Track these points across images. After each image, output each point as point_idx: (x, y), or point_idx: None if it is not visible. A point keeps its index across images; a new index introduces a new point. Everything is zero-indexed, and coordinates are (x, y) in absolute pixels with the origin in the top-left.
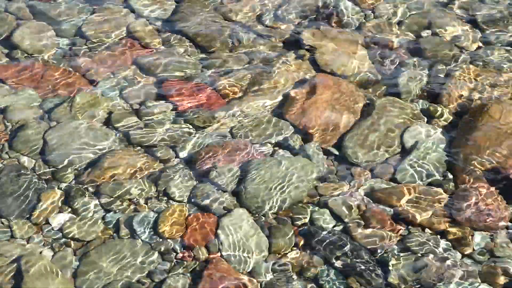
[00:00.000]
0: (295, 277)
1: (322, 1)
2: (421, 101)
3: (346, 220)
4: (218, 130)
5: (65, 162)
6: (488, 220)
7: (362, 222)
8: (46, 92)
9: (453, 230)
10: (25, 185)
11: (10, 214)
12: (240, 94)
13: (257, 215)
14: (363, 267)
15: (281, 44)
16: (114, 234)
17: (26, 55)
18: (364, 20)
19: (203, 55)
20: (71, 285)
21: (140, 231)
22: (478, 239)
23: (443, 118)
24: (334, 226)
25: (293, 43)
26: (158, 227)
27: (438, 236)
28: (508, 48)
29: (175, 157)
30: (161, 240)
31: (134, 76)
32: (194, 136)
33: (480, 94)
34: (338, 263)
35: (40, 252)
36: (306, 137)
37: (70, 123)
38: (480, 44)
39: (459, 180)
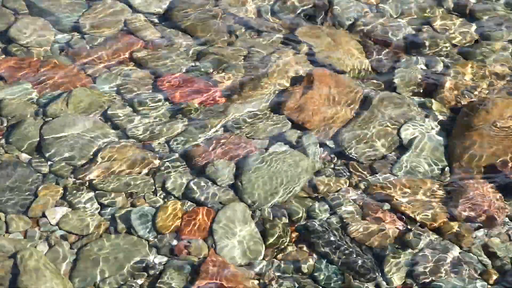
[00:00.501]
0: (291, 271)
1: None
2: (418, 96)
3: (342, 214)
4: (215, 124)
5: (62, 157)
6: (485, 216)
7: (359, 217)
8: (42, 86)
9: (451, 225)
10: (21, 180)
11: (7, 208)
12: (237, 88)
13: (253, 209)
14: (359, 262)
15: (279, 39)
16: (110, 228)
17: (23, 49)
18: (361, 15)
19: (200, 49)
20: (66, 279)
21: (136, 226)
22: (476, 235)
23: (440, 113)
24: (331, 221)
25: (290, 38)
26: (155, 221)
27: (436, 232)
28: (506, 43)
29: (172, 152)
30: (157, 234)
31: (130, 70)
32: (191, 130)
33: (478, 89)
34: (334, 258)
35: (36, 247)
36: (303, 132)
37: (67, 117)
38: (477, 39)
39: (456, 175)
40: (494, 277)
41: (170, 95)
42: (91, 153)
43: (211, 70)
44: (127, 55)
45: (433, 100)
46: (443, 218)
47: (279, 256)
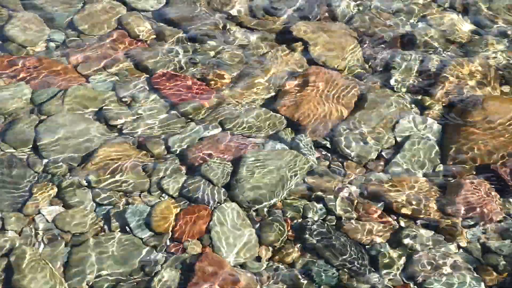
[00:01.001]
0: (286, 270)
1: None
2: (413, 93)
3: (338, 213)
4: (210, 123)
5: (57, 155)
6: (480, 214)
7: (354, 215)
8: (37, 84)
9: (445, 223)
10: (17, 178)
11: (2, 206)
12: (231, 87)
13: (248, 208)
14: (354, 261)
15: (274, 37)
16: (105, 227)
17: (17, 47)
18: (356, 12)
19: (195, 47)
20: (61, 277)
21: (132, 225)
22: (470, 232)
23: (435, 111)
24: (326, 219)
25: (285, 35)
26: (150, 220)
27: (431, 230)
28: (501, 38)
29: (167, 150)
30: (153, 233)
31: (126, 68)
32: (186, 129)
33: (472, 87)
34: (329, 256)
35: (32, 245)
36: (298, 130)
37: (62, 116)
38: (473, 35)
39: (451, 173)
40: (491, 275)
41: (165, 93)
42: (87, 151)
43: (206, 68)
44: (122, 53)
45: (428, 98)
46: (438, 217)
47: (275, 255)
